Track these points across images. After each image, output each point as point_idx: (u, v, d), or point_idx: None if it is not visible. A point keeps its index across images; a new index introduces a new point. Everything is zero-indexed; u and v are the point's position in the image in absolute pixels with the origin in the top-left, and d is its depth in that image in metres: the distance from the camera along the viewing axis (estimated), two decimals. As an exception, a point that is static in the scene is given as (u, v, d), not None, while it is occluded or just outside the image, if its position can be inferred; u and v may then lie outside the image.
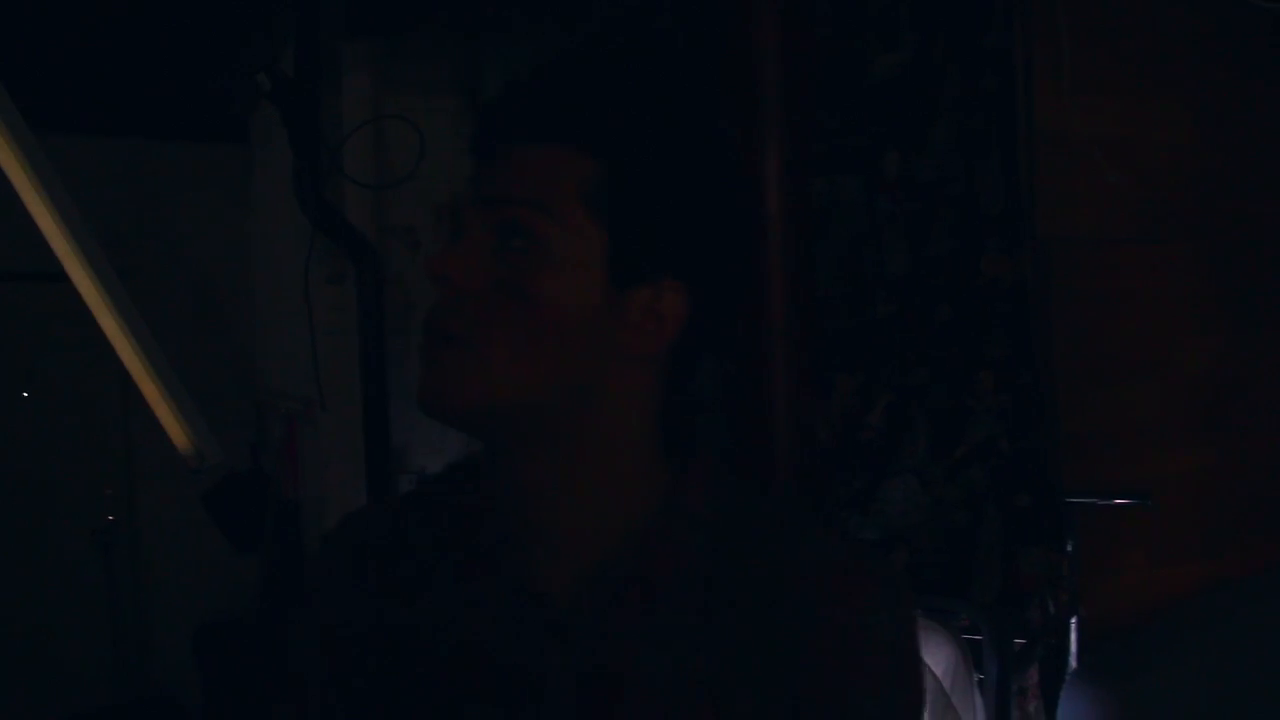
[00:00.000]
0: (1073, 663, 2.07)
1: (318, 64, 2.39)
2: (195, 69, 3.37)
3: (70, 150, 4.07)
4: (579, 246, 0.78)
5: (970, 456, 2.16)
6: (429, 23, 2.84)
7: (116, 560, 4.57)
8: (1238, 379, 2.43)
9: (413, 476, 2.95)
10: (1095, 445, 2.26)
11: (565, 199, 0.77)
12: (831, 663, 0.79)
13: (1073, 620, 2.13)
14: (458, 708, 0.82)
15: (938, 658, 1.80)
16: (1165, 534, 2.33)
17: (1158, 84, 2.34)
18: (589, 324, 0.78)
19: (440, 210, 2.97)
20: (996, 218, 2.19)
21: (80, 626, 4.55)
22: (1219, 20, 2.42)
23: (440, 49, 2.93)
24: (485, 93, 2.96)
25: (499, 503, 0.84)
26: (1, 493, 4.51)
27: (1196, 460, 2.39)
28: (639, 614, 0.81)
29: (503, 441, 0.83)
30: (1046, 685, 2.09)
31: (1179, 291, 2.38)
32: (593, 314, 0.78)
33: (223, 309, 4.50)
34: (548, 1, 2.71)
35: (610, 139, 0.78)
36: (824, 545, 0.84)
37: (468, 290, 0.78)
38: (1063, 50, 2.17)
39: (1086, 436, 2.25)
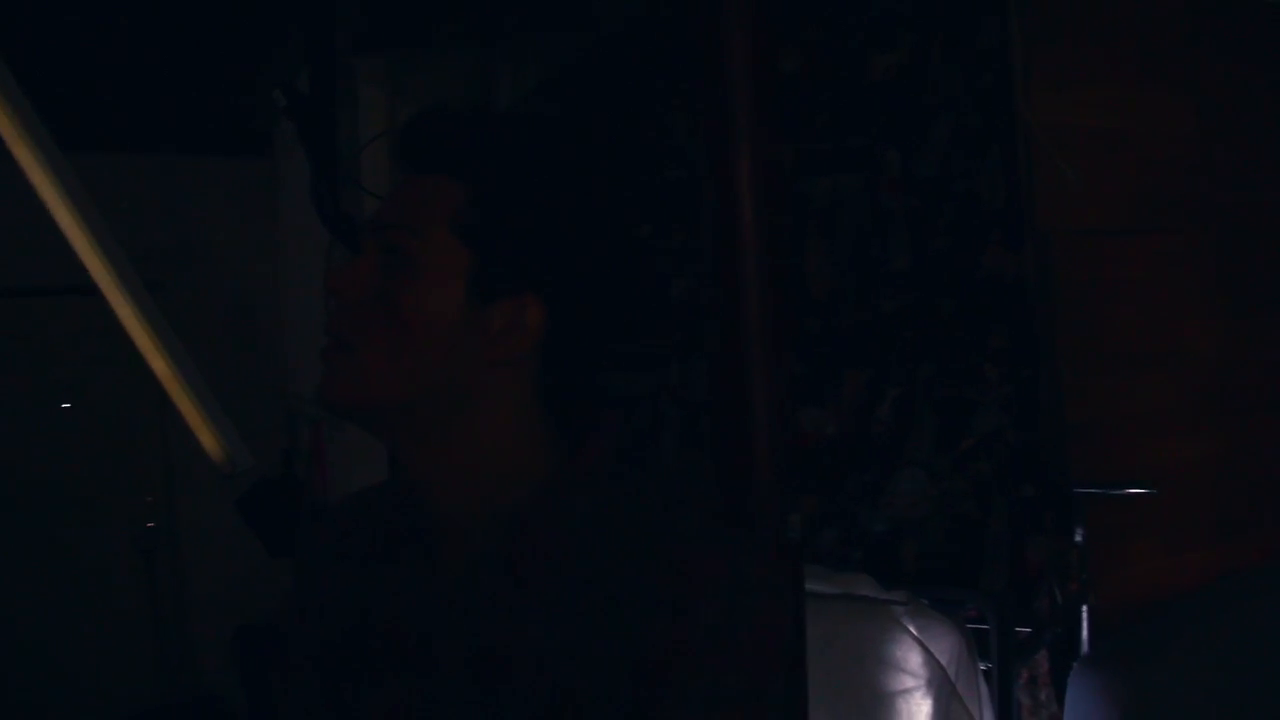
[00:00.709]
0: (1084, 651, 2.10)
1: (332, 79, 2.46)
2: (219, 86, 3.46)
3: (103, 167, 4.18)
4: (444, 264, 0.87)
5: (977, 448, 2.19)
6: (441, 35, 2.90)
7: (158, 565, 4.69)
8: (1245, 366, 2.44)
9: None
10: (1103, 435, 2.29)
11: (433, 223, 0.87)
12: (670, 647, 0.83)
13: (1084, 609, 2.16)
14: (373, 673, 0.93)
15: (941, 647, 1.84)
16: (1176, 522, 2.35)
17: (1158, 75, 2.36)
18: (452, 332, 0.87)
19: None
20: (997, 212, 2.22)
21: (125, 629, 4.68)
22: (1221, 11, 2.43)
23: (453, 60, 3.00)
24: (499, 100, 3.02)
25: (412, 493, 0.94)
26: (46, 501, 4.65)
27: (1205, 448, 2.41)
28: (513, 593, 0.89)
29: (392, 436, 0.93)
30: (1058, 674, 2.12)
31: (1184, 280, 2.40)
32: (456, 324, 0.87)
33: (254, 318, 4.59)
34: (554, 12, 2.77)
35: (474, 170, 0.88)
36: (684, 533, 0.88)
37: (354, 302, 0.89)
38: (1057, 45, 2.20)
39: (1094, 426, 2.28)
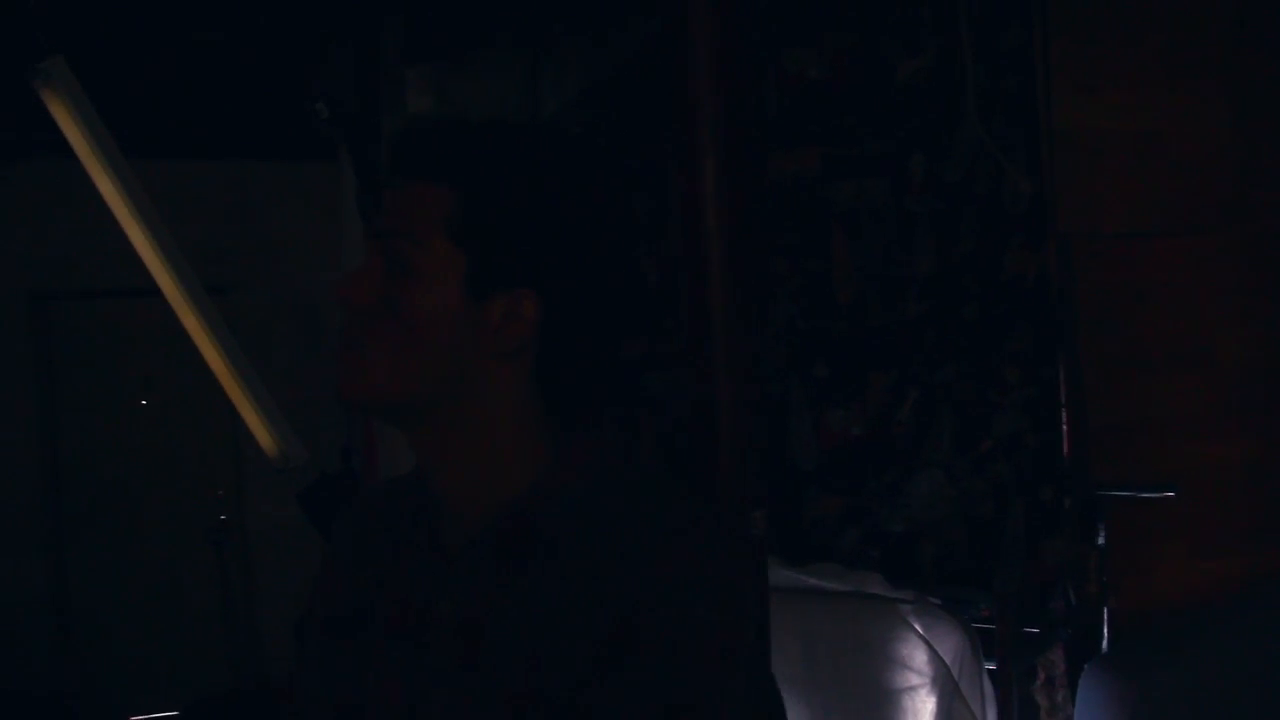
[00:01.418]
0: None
1: (376, 90, 2.55)
2: (281, 94, 3.58)
3: (177, 174, 4.38)
4: (440, 266, 0.93)
5: (995, 450, 2.21)
6: (486, 44, 2.99)
7: (228, 556, 4.87)
8: (1279, 368, 2.41)
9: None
10: (1130, 437, 2.28)
11: (428, 228, 0.94)
12: (629, 637, 0.88)
13: (1105, 611, 2.16)
14: (376, 643, 1.01)
15: (946, 646, 1.86)
16: (1205, 526, 2.34)
17: (1192, 75, 2.34)
18: (451, 329, 0.94)
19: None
20: (1020, 216, 2.23)
21: (197, 618, 4.86)
22: (1258, 5, 2.41)
23: (498, 68, 3.08)
24: (544, 110, 3.09)
25: (424, 479, 1.02)
26: (122, 497, 4.87)
27: (1236, 452, 2.39)
28: (499, 576, 0.95)
29: (403, 427, 1.00)
30: (1075, 676, 2.12)
31: (1217, 282, 2.38)
32: (454, 321, 0.94)
33: (319, 318, 4.73)
34: (596, 20, 2.83)
35: (464, 176, 0.94)
36: (658, 530, 0.93)
37: (360, 307, 0.96)
38: (1084, 48, 2.20)
39: (1121, 429, 2.27)
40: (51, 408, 4.81)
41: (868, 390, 2.39)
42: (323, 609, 1.10)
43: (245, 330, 4.46)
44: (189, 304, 2.86)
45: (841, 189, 2.37)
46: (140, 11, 2.81)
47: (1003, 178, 2.23)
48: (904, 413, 2.29)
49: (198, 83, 3.72)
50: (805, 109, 2.43)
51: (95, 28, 2.85)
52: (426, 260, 0.93)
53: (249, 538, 4.90)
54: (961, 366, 2.26)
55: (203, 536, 4.79)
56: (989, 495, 2.18)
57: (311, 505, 3.97)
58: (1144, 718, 1.89)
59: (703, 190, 1.19)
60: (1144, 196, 2.27)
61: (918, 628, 1.86)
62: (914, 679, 1.86)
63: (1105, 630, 2.15)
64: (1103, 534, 2.13)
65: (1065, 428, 2.18)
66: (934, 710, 1.84)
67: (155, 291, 2.92)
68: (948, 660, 1.84)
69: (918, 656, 1.86)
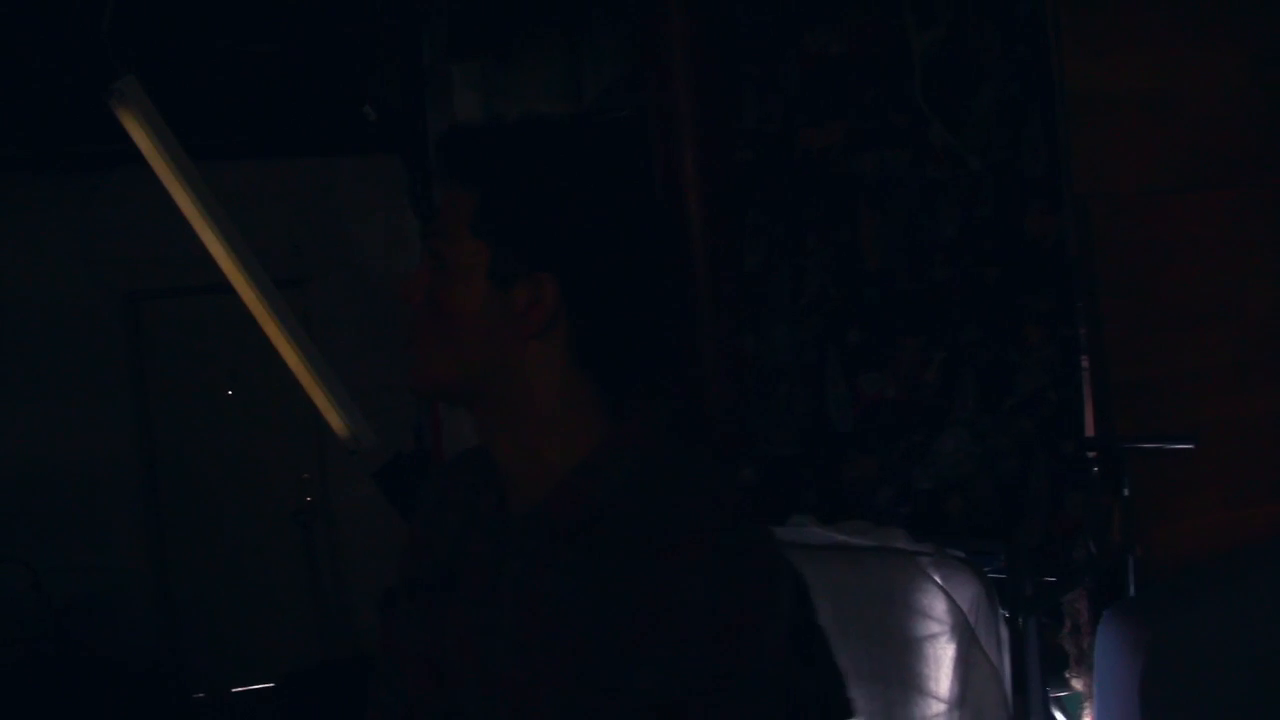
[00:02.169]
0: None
1: (421, 90, 2.70)
2: (339, 95, 3.76)
3: (248, 174, 4.59)
4: (469, 261, 1.04)
5: (1019, 408, 2.28)
6: (530, 38, 3.12)
7: (315, 536, 5.12)
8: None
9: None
10: (1154, 392, 2.34)
11: (458, 227, 1.05)
12: (653, 615, 0.94)
13: (1130, 561, 2.23)
14: (443, 598, 1.11)
15: (964, 595, 1.95)
16: (1231, 478, 2.38)
17: (1206, 32, 2.37)
18: (483, 317, 1.03)
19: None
20: (1038, 179, 2.30)
21: (287, 595, 5.12)
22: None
23: (542, 61, 3.21)
24: (585, 96, 3.22)
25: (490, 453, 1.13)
26: (214, 482, 5.13)
27: (1263, 404, 2.42)
28: (544, 542, 1.04)
29: (464, 407, 1.11)
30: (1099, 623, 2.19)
31: (1240, 236, 2.41)
32: (485, 309, 1.03)
33: (390, 305, 4.92)
34: (631, 8, 2.94)
35: (483, 176, 1.05)
36: (690, 505, 0.99)
37: (414, 303, 1.08)
38: (1095, 10, 2.26)
39: (1145, 384, 2.33)
40: (145, 400, 5.08)
41: (899, 354, 2.48)
42: (407, 573, 1.18)
43: (321, 319, 4.70)
44: (259, 298, 3.06)
45: (865, 161, 2.46)
46: (202, 29, 2.99)
47: (1020, 144, 2.30)
48: (931, 374, 2.37)
49: (263, 88, 3.91)
50: (827, 85, 2.51)
51: (165, 46, 3.04)
52: (457, 256, 1.04)
53: (334, 517, 5.14)
54: (985, 328, 2.34)
55: (290, 518, 5.05)
56: (1013, 451, 2.26)
57: (387, 483, 4.18)
58: (1158, 661, 1.96)
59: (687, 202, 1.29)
60: (1161, 155, 2.31)
61: (937, 579, 1.96)
62: (934, 627, 1.95)
63: (1131, 579, 2.22)
64: (1126, 486, 2.19)
65: (1087, 384, 2.24)
66: (953, 656, 1.93)
67: (233, 289, 3.10)
68: (965, 609, 1.93)
69: (937, 606, 1.95)
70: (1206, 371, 2.38)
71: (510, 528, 1.08)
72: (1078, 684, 2.31)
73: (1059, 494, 2.20)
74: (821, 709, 1.03)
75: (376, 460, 4.31)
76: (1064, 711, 2.40)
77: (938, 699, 1.96)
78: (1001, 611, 1.97)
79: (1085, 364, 2.26)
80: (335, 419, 3.20)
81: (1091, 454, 2.25)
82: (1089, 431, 2.27)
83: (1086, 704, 2.25)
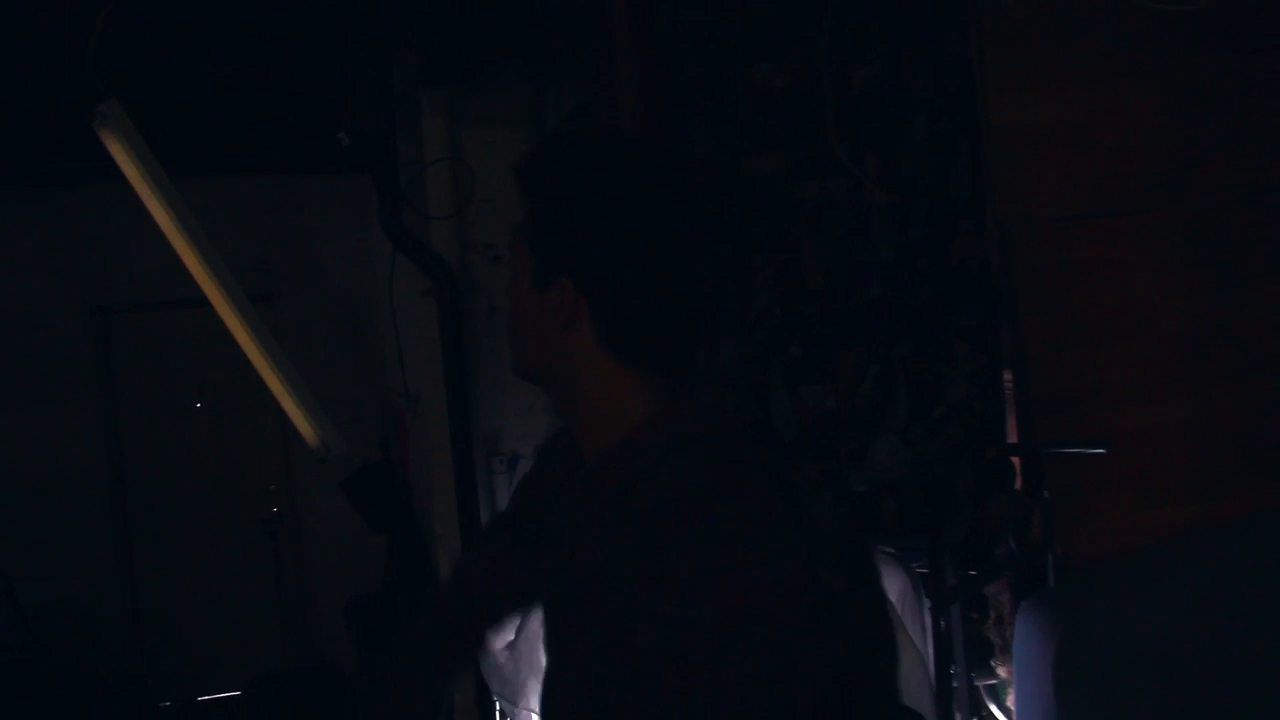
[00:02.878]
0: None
1: (393, 115, 2.85)
2: (312, 116, 3.90)
3: (223, 191, 4.72)
4: (523, 269, 1.22)
5: (947, 416, 2.46)
6: (495, 66, 3.28)
7: (282, 546, 5.22)
8: (1215, 336, 2.63)
9: (502, 459, 3.40)
10: (1074, 402, 2.52)
11: (518, 241, 1.24)
12: (667, 570, 1.06)
13: (1050, 557, 2.40)
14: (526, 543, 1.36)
15: (892, 586, 2.13)
16: (1146, 482, 2.56)
17: (1122, 69, 2.56)
18: (532, 313, 1.22)
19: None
20: (965, 204, 2.48)
21: (253, 603, 5.22)
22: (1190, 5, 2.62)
23: (506, 89, 3.37)
24: (546, 123, 3.38)
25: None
26: (185, 492, 5.23)
27: (1177, 413, 2.60)
28: (592, 504, 1.21)
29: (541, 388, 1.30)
30: (1022, 614, 2.37)
31: (1154, 258, 2.60)
32: (531, 307, 1.22)
33: (357, 321, 5.06)
34: (588, 40, 3.11)
35: (529, 198, 1.23)
36: (703, 481, 1.12)
37: (510, 301, 1.29)
38: (1016, 50, 2.45)
39: (1065, 395, 2.51)
40: (114, 412, 5.18)
41: (838, 367, 2.65)
42: (509, 517, 1.46)
43: (289, 333, 4.84)
44: (233, 311, 3.17)
45: (806, 187, 2.64)
46: (182, 53, 3.12)
47: (949, 172, 2.49)
48: (866, 386, 2.55)
49: (239, 109, 4.04)
50: (772, 117, 2.69)
51: (146, 69, 3.17)
52: (519, 266, 1.23)
53: (300, 528, 5.26)
54: (916, 343, 2.52)
55: (258, 527, 5.17)
56: (941, 456, 2.44)
57: (354, 492, 4.31)
58: (1069, 647, 2.13)
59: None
60: (1078, 182, 2.50)
61: (868, 571, 2.12)
62: (865, 616, 2.12)
63: (1051, 574, 2.39)
64: (1045, 488, 2.37)
65: (1010, 394, 2.42)
66: (883, 642, 2.10)
67: (208, 302, 3.22)
68: (893, 598, 2.11)
69: (868, 596, 2.12)
70: (1121, 383, 2.56)
71: (579, 492, 1.25)
72: (1003, 671, 2.49)
73: (983, 495, 2.37)
74: (837, 678, 1.08)
75: (344, 471, 4.45)
76: (994, 699, 2.58)
77: (869, 683, 2.12)
78: (926, 600, 2.14)
79: (1008, 376, 2.44)
80: (306, 427, 3.30)
81: (1014, 458, 2.43)
82: (1011, 438, 2.45)
83: (1011, 690, 2.43)
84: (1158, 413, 2.61)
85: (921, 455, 2.46)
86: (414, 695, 1.47)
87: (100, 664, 4.68)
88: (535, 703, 2.58)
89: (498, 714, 3.03)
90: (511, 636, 2.63)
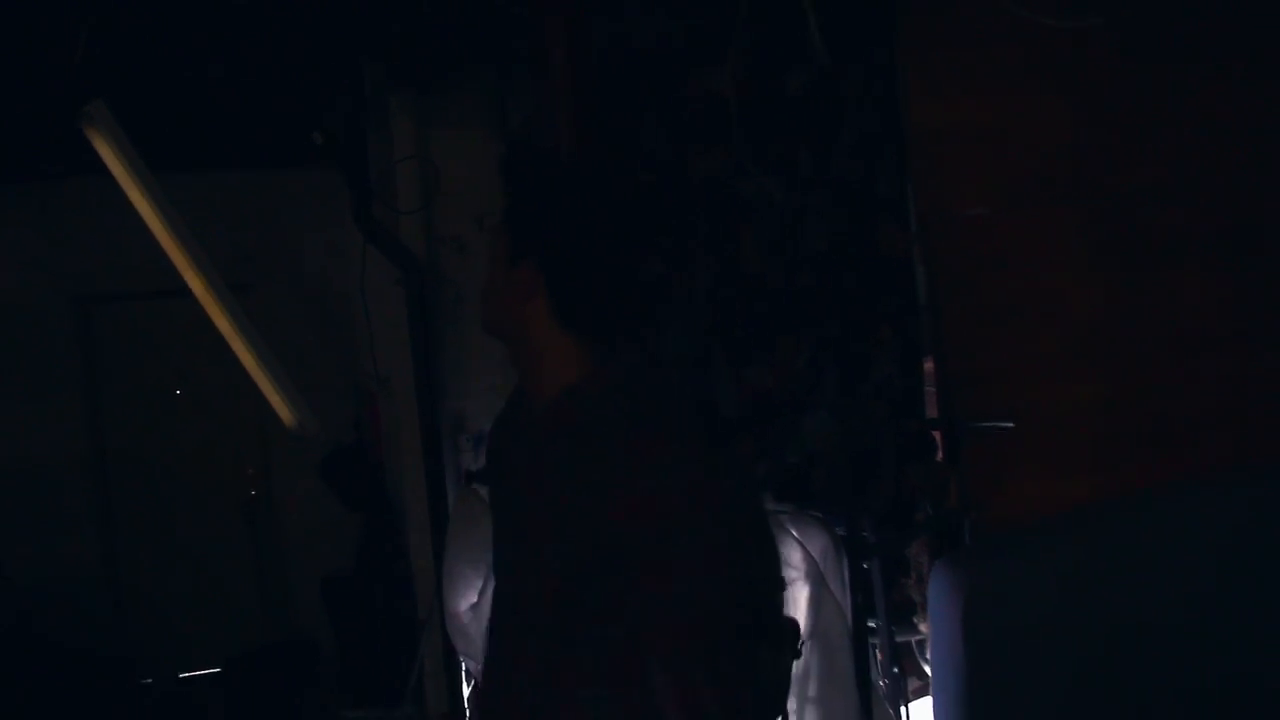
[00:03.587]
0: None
1: (364, 115, 3.05)
2: (289, 113, 4.07)
3: (201, 185, 4.88)
4: (503, 252, 1.48)
5: (872, 393, 2.69)
6: (460, 73, 3.48)
7: (259, 527, 5.42)
8: (1121, 320, 2.87)
9: (469, 437, 3.61)
10: (991, 380, 2.75)
11: (501, 229, 1.50)
12: (601, 508, 1.35)
13: (966, 522, 2.64)
14: (500, 481, 1.62)
15: (815, 546, 2.36)
16: (1060, 453, 2.80)
17: (1032, 76, 2.80)
18: (505, 287, 1.48)
19: (481, 220, 3.61)
20: (889, 200, 2.71)
21: (232, 582, 5.41)
22: (1096, 11, 2.84)
23: (470, 93, 3.57)
24: (509, 123, 3.59)
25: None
26: (165, 477, 5.41)
27: (1087, 390, 2.84)
28: (547, 445, 1.47)
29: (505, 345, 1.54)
30: (940, 573, 2.60)
31: (1063, 249, 2.84)
32: (504, 282, 1.48)
33: (332, 309, 5.23)
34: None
35: (507, 195, 1.50)
36: (634, 424, 1.39)
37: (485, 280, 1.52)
38: (936, 59, 2.68)
39: (983, 374, 2.74)
40: (96, 400, 5.35)
41: (775, 349, 2.88)
42: (486, 465, 1.70)
43: (267, 322, 4.99)
44: (214, 300, 3.36)
45: (745, 184, 2.86)
46: (167, 56, 3.30)
47: (875, 170, 2.71)
48: (799, 365, 2.78)
49: (219, 107, 4.21)
50: (715, 118, 2.91)
51: (133, 70, 3.35)
52: (498, 249, 1.48)
53: (276, 510, 5.45)
54: (845, 326, 2.75)
55: (236, 511, 5.37)
56: (866, 430, 2.67)
57: (330, 473, 4.52)
58: (975, 601, 2.36)
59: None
60: (992, 179, 2.74)
61: (793, 532, 2.36)
62: (791, 573, 2.35)
63: (967, 538, 2.63)
64: (960, 459, 2.61)
65: (930, 375, 2.65)
66: (807, 595, 2.34)
67: (187, 292, 3.40)
68: (816, 557, 2.33)
69: (794, 555, 2.35)
70: (1033, 363, 2.79)
71: (531, 433, 1.50)
72: (924, 628, 2.73)
73: (903, 465, 2.61)
74: (756, 582, 1.37)
75: (319, 453, 4.65)
76: (919, 654, 2.82)
77: (794, 632, 2.35)
78: (846, 559, 2.37)
79: (928, 363, 2.67)
80: (283, 409, 3.49)
81: (934, 432, 2.67)
82: (931, 414, 2.68)
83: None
84: (1067, 391, 2.85)
85: (848, 429, 2.69)
86: None
87: (85, 642, 4.82)
88: (497, 660, 2.81)
89: (463, 672, 3.25)
90: (475, 599, 2.84)
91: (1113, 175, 2.89)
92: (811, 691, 2.31)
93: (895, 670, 2.51)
